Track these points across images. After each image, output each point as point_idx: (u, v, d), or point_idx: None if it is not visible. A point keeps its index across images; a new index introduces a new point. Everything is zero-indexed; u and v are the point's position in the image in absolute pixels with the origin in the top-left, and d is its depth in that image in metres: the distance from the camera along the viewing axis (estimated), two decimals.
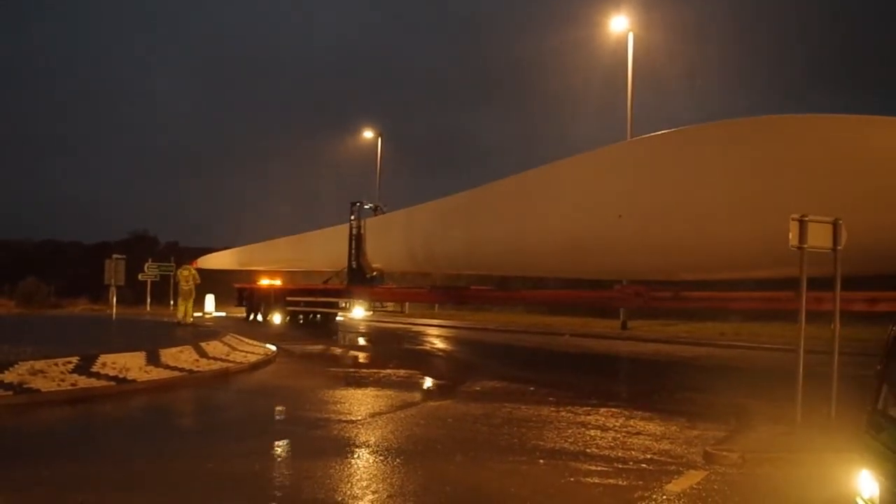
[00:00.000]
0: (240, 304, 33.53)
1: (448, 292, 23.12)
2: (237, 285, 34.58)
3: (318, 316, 29.47)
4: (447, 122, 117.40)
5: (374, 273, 25.03)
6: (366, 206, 25.78)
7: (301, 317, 29.53)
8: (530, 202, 15.42)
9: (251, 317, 31.34)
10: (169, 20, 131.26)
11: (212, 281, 31.35)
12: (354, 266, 24.83)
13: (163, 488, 5.89)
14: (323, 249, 28.84)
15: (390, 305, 27.12)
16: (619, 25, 26.37)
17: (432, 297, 24.37)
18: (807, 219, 8.16)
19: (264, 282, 32.83)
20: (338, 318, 30.21)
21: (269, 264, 33.97)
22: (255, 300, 31.54)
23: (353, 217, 25.15)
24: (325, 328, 27.90)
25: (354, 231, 24.91)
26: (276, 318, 29.49)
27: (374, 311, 27.22)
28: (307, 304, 28.56)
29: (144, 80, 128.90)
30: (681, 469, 6.61)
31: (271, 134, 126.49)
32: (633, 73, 26.09)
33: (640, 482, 6.13)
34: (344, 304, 26.79)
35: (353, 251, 24.82)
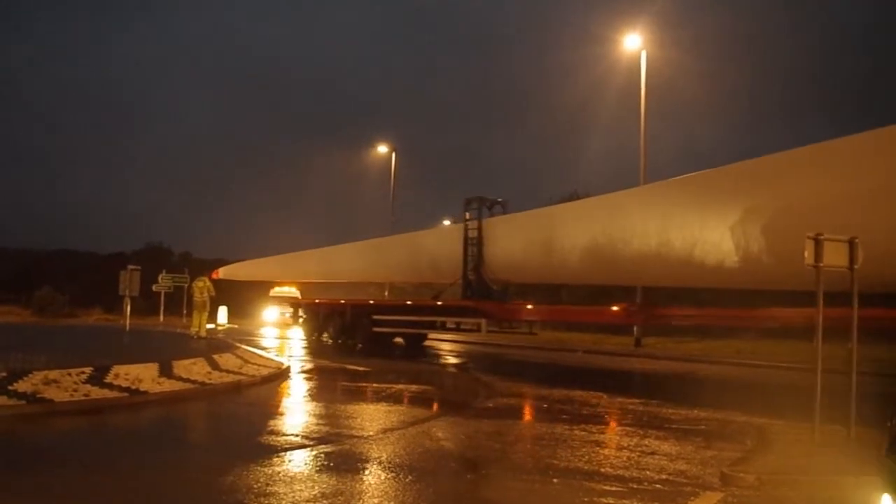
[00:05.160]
0: (295, 321, 29.04)
1: (649, 311, 17.61)
2: (296, 299, 30.43)
3: (395, 338, 24.67)
4: (462, 140, 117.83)
5: (496, 286, 20.57)
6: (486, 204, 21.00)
7: (366, 338, 23.80)
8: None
9: (313, 336, 26.45)
10: (187, 33, 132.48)
11: (225, 293, 30.65)
12: (472, 277, 20.55)
13: (173, 502, 5.86)
14: (412, 258, 24.23)
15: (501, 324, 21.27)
16: (633, 44, 26.42)
17: (627, 318, 17.98)
18: (822, 237, 8.11)
19: (290, 287, 30.26)
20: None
21: (321, 276, 30.40)
22: (322, 317, 26.23)
23: (468, 217, 20.87)
24: (414, 351, 23.94)
25: (471, 234, 20.59)
26: (336, 338, 24.91)
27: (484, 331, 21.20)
28: (405, 324, 23.10)
29: (161, 92, 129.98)
30: (696, 490, 6.51)
31: (287, 149, 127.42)
32: (646, 91, 26.07)
33: (656, 503, 6.03)
34: (453, 325, 22.05)
35: (470, 259, 20.56)
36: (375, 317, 23.50)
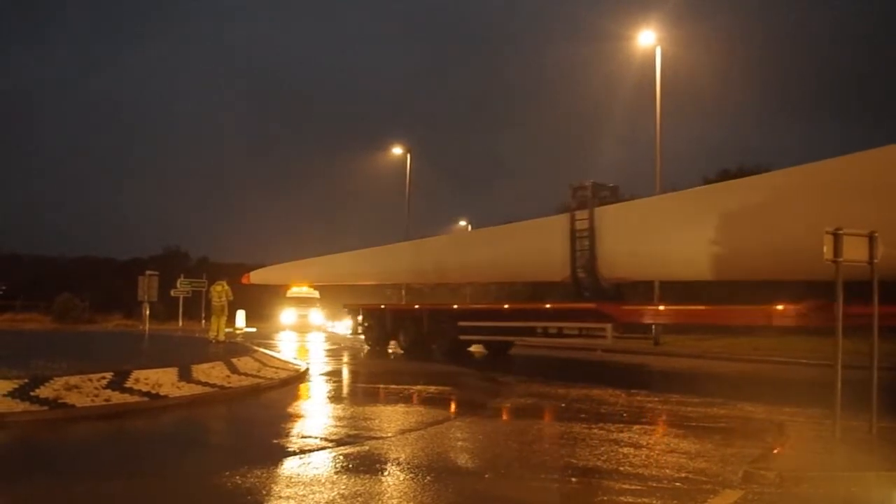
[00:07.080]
0: (356, 330, 27.25)
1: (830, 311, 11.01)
2: (358, 304, 27.91)
3: (465, 346, 22.45)
4: (479, 141, 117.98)
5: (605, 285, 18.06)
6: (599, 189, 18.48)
7: (436, 346, 22.32)
8: None
9: (378, 345, 24.89)
10: (204, 38, 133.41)
11: (242, 296, 30.45)
12: (582, 275, 18.04)
13: None
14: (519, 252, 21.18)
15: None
16: (647, 40, 26.36)
17: (798, 318, 13.61)
18: (841, 232, 8.05)
19: (307, 288, 29.58)
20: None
21: (372, 278, 29.23)
22: (390, 324, 24.49)
23: (575, 206, 18.55)
24: (499, 360, 21.64)
25: (580, 226, 18.07)
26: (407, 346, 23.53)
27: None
28: (500, 330, 21.11)
29: (180, 100, 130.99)
30: (716, 488, 6.46)
31: (303, 153, 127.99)
32: (661, 88, 25.99)
33: (675, 502, 6.00)
34: (555, 331, 20.14)
35: (579, 255, 18.09)
36: (462, 323, 21.49)
